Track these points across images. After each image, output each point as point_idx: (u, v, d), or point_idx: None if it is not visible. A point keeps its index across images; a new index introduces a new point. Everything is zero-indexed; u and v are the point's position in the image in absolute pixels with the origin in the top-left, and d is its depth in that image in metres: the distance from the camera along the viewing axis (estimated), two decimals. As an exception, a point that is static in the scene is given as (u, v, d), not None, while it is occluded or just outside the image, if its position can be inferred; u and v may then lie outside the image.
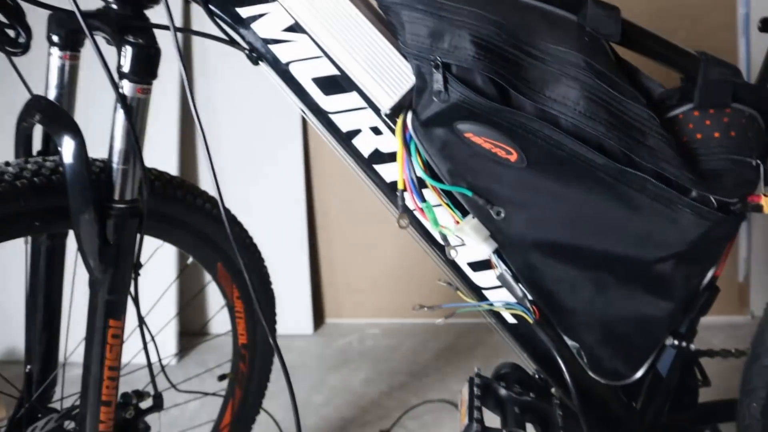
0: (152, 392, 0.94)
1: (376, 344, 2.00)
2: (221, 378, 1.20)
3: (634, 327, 0.73)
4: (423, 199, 0.66)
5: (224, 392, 1.22)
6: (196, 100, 1.88)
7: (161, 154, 1.89)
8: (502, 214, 0.67)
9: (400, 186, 0.66)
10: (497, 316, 0.77)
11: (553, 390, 0.76)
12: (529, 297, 0.71)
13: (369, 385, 1.78)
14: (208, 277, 1.11)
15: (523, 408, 0.72)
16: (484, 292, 0.76)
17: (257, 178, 1.98)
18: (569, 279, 0.70)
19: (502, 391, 0.72)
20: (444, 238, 0.70)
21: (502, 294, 0.75)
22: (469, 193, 0.67)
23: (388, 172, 0.73)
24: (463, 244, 0.69)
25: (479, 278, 0.76)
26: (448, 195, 0.72)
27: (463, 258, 0.75)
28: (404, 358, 1.91)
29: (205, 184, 1.99)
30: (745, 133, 0.64)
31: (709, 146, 0.64)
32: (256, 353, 1.21)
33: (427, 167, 0.70)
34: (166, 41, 0.70)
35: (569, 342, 0.76)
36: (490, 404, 0.72)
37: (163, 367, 0.97)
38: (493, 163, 0.66)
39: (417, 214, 0.67)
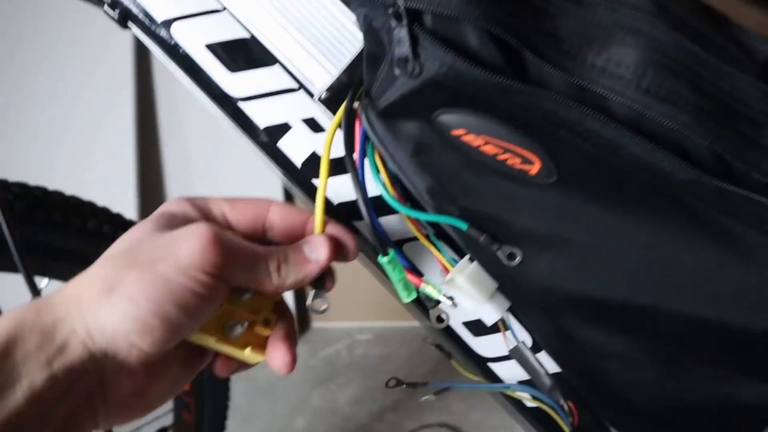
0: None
1: (366, 353, 1.75)
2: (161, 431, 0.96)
3: (722, 421, 0.47)
4: (383, 242, 0.40)
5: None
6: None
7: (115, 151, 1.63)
8: (518, 258, 0.41)
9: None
10: (510, 395, 0.51)
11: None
12: (559, 389, 0.45)
13: (358, 405, 1.53)
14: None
15: None
16: (490, 365, 0.50)
17: (235, 166, 1.71)
18: (625, 354, 0.44)
19: None
20: (425, 296, 0.44)
21: (515, 368, 0.49)
22: (464, 226, 0.41)
23: (339, 188, 0.47)
24: (455, 304, 0.43)
25: (483, 346, 0.50)
26: (432, 227, 0.46)
27: (456, 315, 0.49)
28: (399, 370, 1.66)
29: (173, 187, 1.73)
30: None
31: None
32: (204, 397, 0.96)
33: (395, 185, 0.44)
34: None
35: (619, 436, 0.51)
36: None
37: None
38: (502, 177, 0.40)
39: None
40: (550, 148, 0.38)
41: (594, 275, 0.42)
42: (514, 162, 0.39)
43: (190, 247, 0.35)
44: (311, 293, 0.41)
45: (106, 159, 1.62)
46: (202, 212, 0.40)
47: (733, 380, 0.45)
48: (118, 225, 0.73)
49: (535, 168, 0.39)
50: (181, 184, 1.73)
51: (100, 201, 0.73)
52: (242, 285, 0.38)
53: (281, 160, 0.47)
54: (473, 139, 0.39)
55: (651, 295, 0.41)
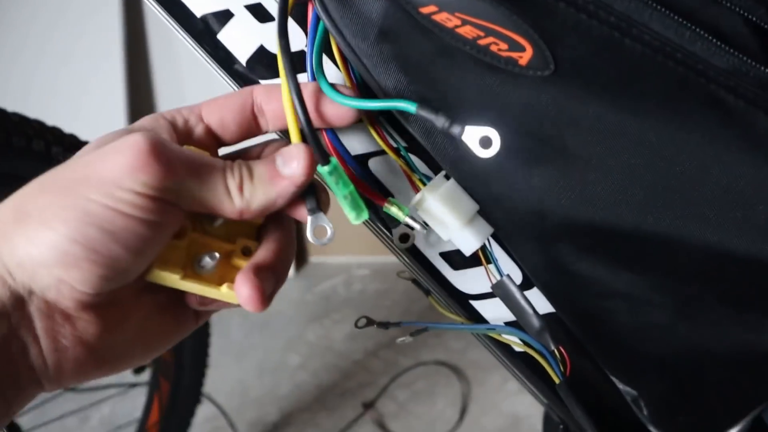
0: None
1: (364, 288, 1.70)
2: (138, 370, 0.91)
3: (743, 372, 0.40)
4: (322, 149, 0.31)
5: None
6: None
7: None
8: (495, 145, 0.32)
9: (290, 119, 0.31)
10: (496, 339, 0.44)
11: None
12: (549, 331, 0.37)
13: (353, 342, 1.49)
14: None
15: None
16: (473, 303, 0.43)
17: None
18: (632, 293, 0.37)
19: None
20: (387, 216, 0.37)
21: (501, 306, 0.42)
22: (412, 108, 0.32)
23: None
24: (424, 228, 0.35)
25: (464, 281, 0.42)
26: (404, 139, 0.38)
27: (431, 245, 0.41)
28: (395, 307, 1.61)
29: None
30: None
31: None
32: (182, 335, 0.90)
33: (358, 83, 0.36)
34: None
35: (620, 386, 0.44)
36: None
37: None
38: (484, 70, 0.31)
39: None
40: (544, 29, 0.29)
41: (597, 196, 0.34)
42: (500, 48, 0.30)
43: (117, 162, 0.28)
44: (309, 220, 0.32)
45: (98, 102, 1.55)
46: (179, 126, 0.33)
47: (761, 325, 0.37)
48: (71, 146, 0.66)
49: (525, 56, 0.30)
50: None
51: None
52: (196, 208, 0.30)
53: (221, 56, 0.38)
54: (447, 19, 0.30)
55: (668, 221, 0.33)
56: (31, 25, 1.51)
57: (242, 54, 0.39)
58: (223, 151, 0.36)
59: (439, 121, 0.30)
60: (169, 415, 0.95)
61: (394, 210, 0.34)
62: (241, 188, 0.30)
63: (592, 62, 0.30)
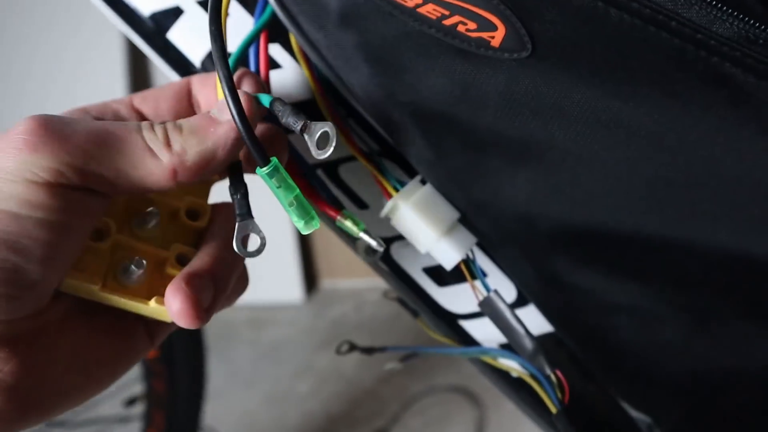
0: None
1: (375, 313, 1.65)
2: (130, 402, 0.87)
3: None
4: (260, 148, 0.27)
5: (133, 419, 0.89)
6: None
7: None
8: (331, 147, 0.27)
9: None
10: (490, 364, 0.40)
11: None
12: (544, 353, 0.32)
13: (363, 369, 1.44)
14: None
15: None
16: (461, 323, 0.39)
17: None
18: (638, 307, 0.32)
19: None
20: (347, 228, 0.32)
21: (493, 327, 0.37)
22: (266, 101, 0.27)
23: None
24: (379, 246, 0.31)
25: (450, 298, 0.38)
26: (378, 143, 0.34)
27: (412, 258, 0.37)
28: (408, 331, 1.55)
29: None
30: None
31: None
32: (176, 365, 0.86)
33: (321, 80, 0.32)
34: None
35: (632, 413, 0.39)
36: None
37: None
38: (454, 55, 0.27)
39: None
40: (517, 3, 0.25)
41: (591, 196, 0.29)
42: (468, 28, 0.26)
43: (7, 147, 0.23)
44: (236, 228, 0.26)
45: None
46: (102, 113, 0.29)
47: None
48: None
49: (498, 36, 0.26)
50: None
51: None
52: (118, 189, 0.25)
53: (173, 57, 0.35)
54: (408, -3, 0.26)
55: (675, 222, 0.29)
56: (30, 24, 1.50)
57: (195, 55, 0.35)
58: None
59: (284, 116, 0.26)
60: (166, 451, 0.91)
61: (348, 224, 0.30)
62: (168, 143, 0.25)
63: (574, 39, 0.25)
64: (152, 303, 0.26)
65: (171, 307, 0.25)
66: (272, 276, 1.71)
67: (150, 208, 0.28)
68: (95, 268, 0.26)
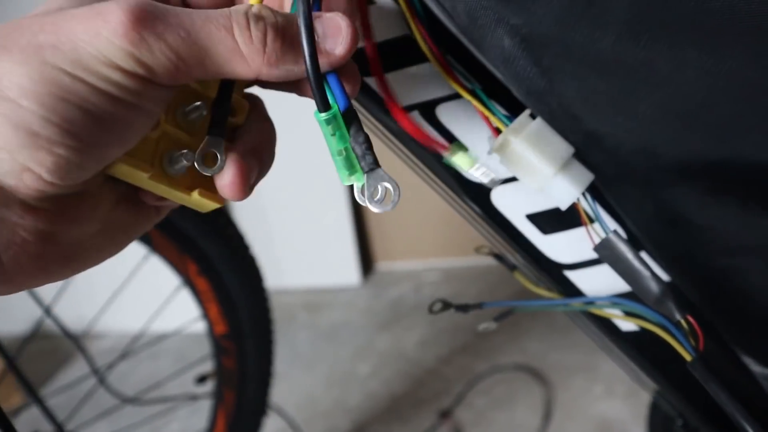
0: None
1: (434, 293, 1.63)
2: (200, 380, 0.87)
3: None
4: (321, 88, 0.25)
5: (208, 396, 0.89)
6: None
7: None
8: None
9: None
10: (596, 316, 0.37)
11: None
12: (673, 298, 0.30)
13: (425, 349, 1.43)
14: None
15: None
16: (567, 274, 0.36)
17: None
18: (773, 244, 0.29)
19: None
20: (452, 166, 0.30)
21: (603, 276, 0.35)
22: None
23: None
24: (511, 179, 0.29)
25: (556, 247, 0.36)
26: (478, 80, 0.32)
27: (515, 204, 0.35)
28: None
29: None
30: None
31: None
32: (245, 341, 0.86)
33: (418, 13, 0.30)
34: None
35: (756, 369, 0.36)
36: None
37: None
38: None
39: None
40: None
41: (726, 120, 0.27)
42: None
43: (98, 27, 0.23)
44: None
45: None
46: None
47: None
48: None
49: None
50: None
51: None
52: (197, 76, 0.25)
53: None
54: None
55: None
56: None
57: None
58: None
59: (357, 146, 0.25)
60: (235, 429, 0.91)
61: (458, 158, 0.28)
62: (263, 49, 0.24)
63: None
64: (194, 195, 0.27)
65: (224, 178, 0.27)
66: (329, 259, 1.71)
67: (198, 102, 0.28)
68: (145, 155, 0.26)
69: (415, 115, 0.34)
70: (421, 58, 0.32)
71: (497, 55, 0.29)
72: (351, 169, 0.25)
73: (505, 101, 0.33)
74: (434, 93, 0.33)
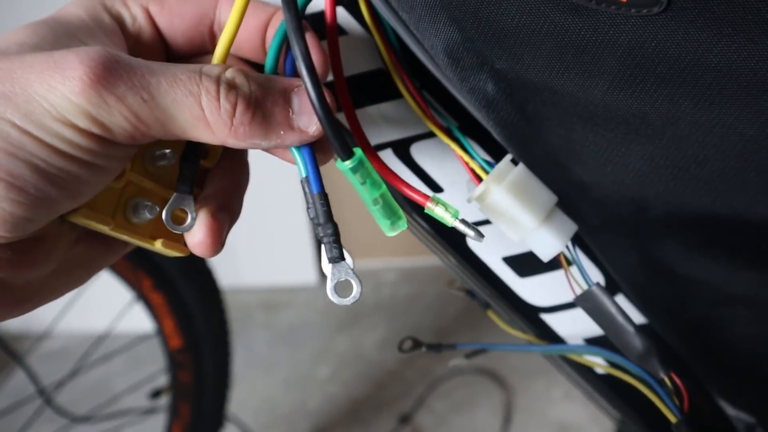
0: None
1: (393, 293, 1.62)
2: (155, 395, 0.84)
3: None
4: (339, 136, 0.23)
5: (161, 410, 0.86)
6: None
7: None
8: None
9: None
10: (572, 360, 0.36)
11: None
12: (657, 354, 0.29)
13: (385, 350, 1.42)
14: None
15: None
16: (544, 317, 0.35)
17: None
18: (755, 296, 0.29)
19: None
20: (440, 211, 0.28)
21: (580, 320, 0.34)
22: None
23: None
24: (480, 236, 0.27)
25: (533, 290, 0.34)
26: (456, 118, 0.30)
27: (491, 247, 0.33)
28: (428, 311, 1.53)
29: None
30: None
31: None
32: (202, 354, 0.83)
33: (394, 47, 0.28)
34: None
35: (731, 412, 0.35)
36: None
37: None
38: (566, 12, 0.23)
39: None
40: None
41: (719, 176, 0.25)
42: (590, -21, 0.22)
43: (56, 83, 0.21)
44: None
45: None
46: (127, 25, 0.26)
47: None
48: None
49: (624, -13, 0.22)
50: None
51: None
52: (158, 137, 0.23)
53: None
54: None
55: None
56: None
57: None
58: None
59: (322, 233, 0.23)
60: (192, 442, 0.88)
61: (438, 211, 0.26)
62: (231, 121, 0.23)
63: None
64: (158, 244, 0.27)
65: (195, 237, 0.26)
66: (286, 258, 1.67)
67: (167, 150, 0.27)
68: (107, 206, 0.26)
69: (388, 153, 0.32)
70: (395, 94, 0.30)
71: (479, 98, 0.27)
72: (393, 216, 0.22)
73: (485, 139, 0.31)
74: (409, 131, 0.31)
